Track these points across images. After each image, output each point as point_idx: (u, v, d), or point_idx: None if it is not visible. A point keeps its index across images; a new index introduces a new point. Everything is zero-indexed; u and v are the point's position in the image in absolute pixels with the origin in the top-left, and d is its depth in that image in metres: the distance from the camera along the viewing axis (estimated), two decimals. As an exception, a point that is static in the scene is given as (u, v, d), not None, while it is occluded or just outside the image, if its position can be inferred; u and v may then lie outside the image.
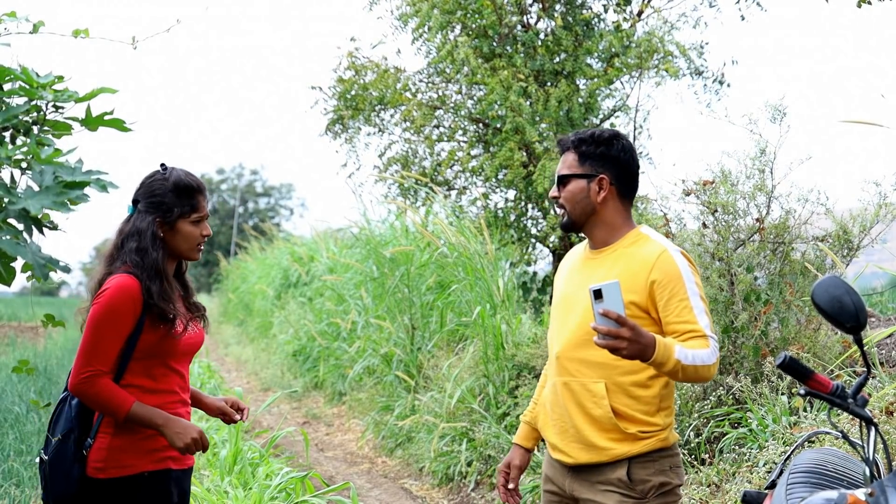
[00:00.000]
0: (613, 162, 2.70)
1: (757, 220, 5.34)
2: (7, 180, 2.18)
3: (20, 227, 2.13)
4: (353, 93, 10.69)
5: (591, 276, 2.68)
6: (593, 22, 10.25)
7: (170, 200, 2.80)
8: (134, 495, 2.76)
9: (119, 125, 2.33)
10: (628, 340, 2.35)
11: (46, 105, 2.30)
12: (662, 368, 2.45)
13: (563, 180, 2.73)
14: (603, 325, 2.34)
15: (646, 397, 2.64)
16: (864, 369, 2.29)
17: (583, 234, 2.83)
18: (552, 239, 9.84)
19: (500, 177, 10.16)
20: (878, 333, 4.80)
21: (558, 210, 2.79)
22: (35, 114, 2.30)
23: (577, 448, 2.69)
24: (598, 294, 2.34)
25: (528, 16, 10.35)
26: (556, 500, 2.81)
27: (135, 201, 2.85)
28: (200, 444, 2.77)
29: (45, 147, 2.18)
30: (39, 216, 2.17)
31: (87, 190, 2.19)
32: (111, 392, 2.72)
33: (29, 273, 2.20)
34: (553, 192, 2.77)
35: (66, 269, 2.22)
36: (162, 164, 2.88)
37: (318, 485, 5.71)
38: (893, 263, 5.72)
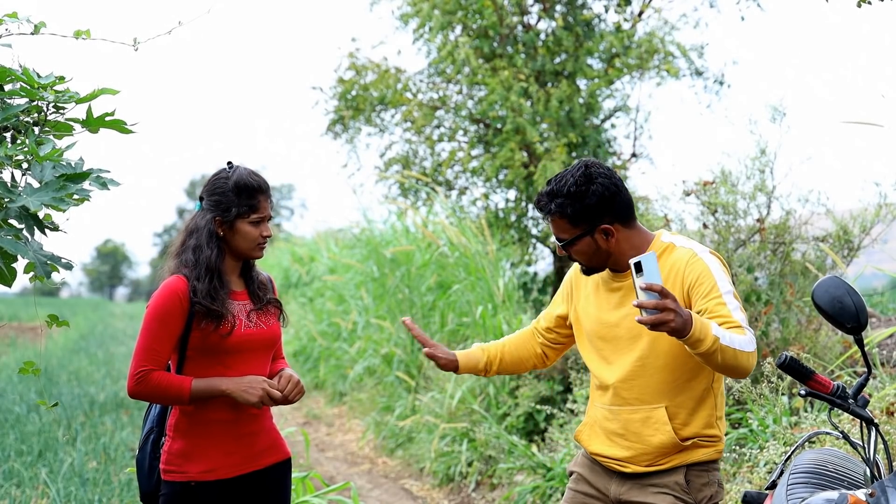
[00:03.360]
0: (603, 205, 2.58)
1: (757, 220, 5.34)
2: (7, 180, 2.17)
3: (20, 226, 2.12)
4: (353, 93, 10.69)
5: (630, 299, 2.61)
6: (594, 22, 10.25)
7: (229, 199, 2.76)
8: (186, 502, 2.74)
9: (120, 126, 2.32)
10: (674, 311, 2.23)
11: (47, 106, 2.29)
12: (700, 346, 2.31)
13: (568, 244, 2.63)
14: (648, 299, 2.24)
15: (704, 411, 2.61)
16: (865, 370, 2.29)
17: None
18: (553, 239, 9.84)
19: (500, 177, 10.16)
20: (878, 334, 4.80)
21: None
22: (36, 114, 2.29)
23: (631, 466, 2.65)
24: (637, 267, 2.27)
25: (529, 16, 10.34)
26: (589, 501, 2.74)
27: (200, 198, 2.84)
28: (275, 392, 2.71)
29: (43, 145, 2.17)
30: (40, 214, 2.16)
31: (87, 188, 2.18)
32: (167, 381, 2.68)
33: (32, 273, 2.20)
34: (561, 250, 2.68)
35: (69, 266, 2.21)
36: (228, 162, 2.84)
37: (319, 485, 5.70)
38: (892, 265, 5.72)
